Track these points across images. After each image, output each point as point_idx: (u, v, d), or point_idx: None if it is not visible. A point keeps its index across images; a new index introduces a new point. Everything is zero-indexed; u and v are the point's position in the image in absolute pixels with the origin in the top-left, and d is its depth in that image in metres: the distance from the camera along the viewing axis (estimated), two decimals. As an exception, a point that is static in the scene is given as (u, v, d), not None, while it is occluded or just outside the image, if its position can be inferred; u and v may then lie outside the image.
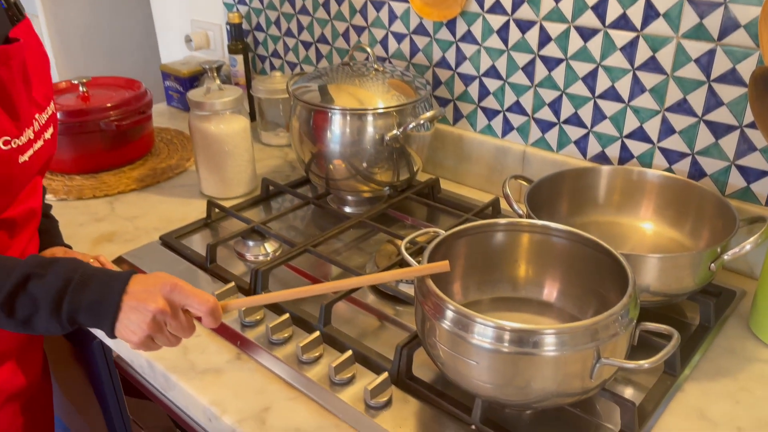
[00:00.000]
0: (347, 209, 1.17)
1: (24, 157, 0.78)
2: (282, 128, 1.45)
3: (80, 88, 1.31)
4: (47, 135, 0.84)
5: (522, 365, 0.61)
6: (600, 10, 0.96)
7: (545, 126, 1.10)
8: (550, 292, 0.77)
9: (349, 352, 0.75)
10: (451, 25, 1.15)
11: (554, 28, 1.02)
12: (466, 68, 1.16)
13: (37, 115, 0.81)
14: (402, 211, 1.14)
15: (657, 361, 0.60)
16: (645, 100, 0.97)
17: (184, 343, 0.82)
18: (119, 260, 1.00)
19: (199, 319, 0.66)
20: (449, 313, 0.64)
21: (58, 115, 1.23)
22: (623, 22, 0.95)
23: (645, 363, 0.59)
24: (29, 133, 0.79)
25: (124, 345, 0.84)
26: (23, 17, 0.83)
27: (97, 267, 0.67)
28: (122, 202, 1.20)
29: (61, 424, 1.33)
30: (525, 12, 1.04)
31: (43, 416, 1.00)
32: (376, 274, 0.81)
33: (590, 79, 1.01)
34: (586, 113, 1.04)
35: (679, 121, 0.95)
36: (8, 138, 0.74)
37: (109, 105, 1.26)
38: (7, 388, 0.88)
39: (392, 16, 1.23)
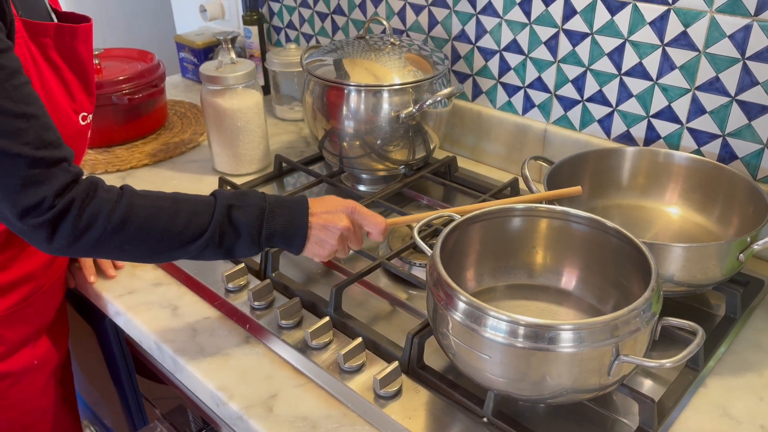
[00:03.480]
0: (361, 188, 1.14)
1: (89, 132, 0.80)
2: (297, 102, 1.42)
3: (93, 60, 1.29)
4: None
5: (537, 361, 0.58)
6: (629, -18, 0.91)
7: (568, 104, 1.05)
8: (569, 280, 0.74)
9: (359, 340, 0.73)
10: (471, -4, 1.10)
11: (580, 1, 0.97)
12: (487, 42, 1.11)
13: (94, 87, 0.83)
14: (417, 190, 1.11)
15: (679, 361, 0.57)
16: (674, 78, 0.92)
17: (193, 326, 0.81)
18: (130, 238, 0.99)
19: (368, 234, 0.77)
20: (461, 305, 0.61)
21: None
22: (654, -5, 0.89)
23: (666, 363, 0.56)
24: (93, 108, 0.81)
25: (134, 325, 0.83)
26: None
27: (275, 195, 0.74)
28: (135, 177, 1.18)
29: (78, 397, 1.35)
30: (549, -17, 0.99)
31: (67, 385, 1.03)
32: (494, 202, 0.76)
33: (616, 55, 0.96)
34: (611, 91, 0.99)
35: (711, 101, 0.90)
36: (86, 114, 0.76)
37: (121, 78, 1.24)
38: (52, 358, 0.91)
39: (410, -13, 1.18)
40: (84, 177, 0.65)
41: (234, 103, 1.12)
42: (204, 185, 1.14)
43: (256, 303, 0.82)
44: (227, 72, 1.11)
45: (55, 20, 0.76)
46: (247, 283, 0.86)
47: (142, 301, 0.86)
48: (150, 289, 0.88)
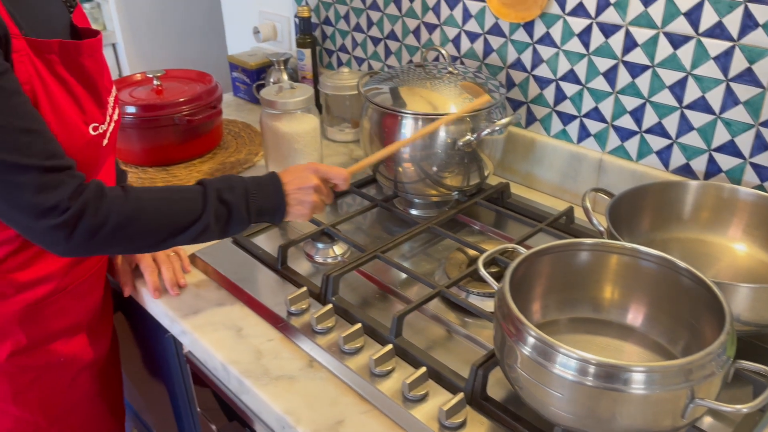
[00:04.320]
0: (413, 212, 1.15)
1: (105, 141, 0.83)
2: (347, 123, 1.45)
3: (154, 82, 1.34)
4: (115, 116, 0.89)
5: (607, 400, 0.59)
6: (693, 17, 0.91)
7: (625, 134, 1.05)
8: (635, 317, 0.75)
9: (423, 369, 0.74)
10: (528, 26, 1.11)
11: (641, 34, 0.97)
12: (543, 71, 1.12)
13: (108, 99, 0.86)
14: (470, 215, 1.12)
15: (755, 407, 0.57)
16: (738, 113, 0.92)
17: (257, 348, 0.83)
18: (193, 257, 1.02)
19: (335, 186, 0.89)
20: (531, 340, 0.62)
21: (131, 109, 1.26)
22: (718, 31, 0.89)
23: (743, 408, 0.56)
24: (107, 118, 0.84)
25: (200, 346, 0.86)
26: (76, 4, 0.86)
27: (249, 176, 0.84)
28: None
29: (127, 403, 1.38)
30: (610, 16, 1.00)
31: (111, 387, 1.06)
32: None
33: (678, 89, 0.96)
34: (671, 123, 0.99)
35: (775, 136, 0.90)
36: (96, 124, 0.80)
37: (182, 100, 1.28)
38: (82, 357, 0.94)
39: (466, 15, 1.20)
40: (90, 181, 0.72)
41: (292, 127, 1.15)
42: (261, 206, 1.17)
43: (318, 327, 0.83)
44: (287, 97, 1.14)
45: (68, 36, 0.80)
46: (309, 306, 0.88)
47: (207, 321, 0.88)
48: (214, 310, 0.90)
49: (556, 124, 1.14)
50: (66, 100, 0.75)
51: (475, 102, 1.02)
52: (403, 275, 0.97)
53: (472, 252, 0.98)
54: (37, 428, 0.91)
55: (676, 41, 0.94)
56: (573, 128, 1.12)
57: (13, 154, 0.66)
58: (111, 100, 0.87)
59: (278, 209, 0.84)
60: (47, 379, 0.90)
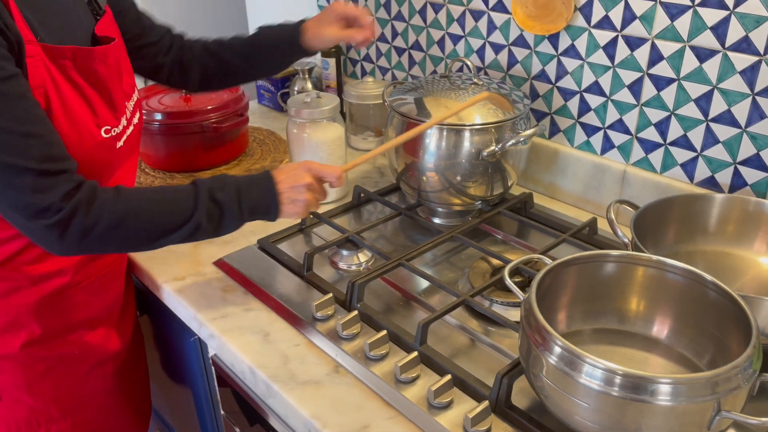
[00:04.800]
0: (436, 220, 1.17)
1: (120, 143, 0.86)
2: (371, 132, 1.47)
3: (182, 90, 1.36)
4: (135, 120, 0.92)
5: (633, 411, 0.59)
6: (720, 31, 0.91)
7: (650, 146, 1.06)
8: (661, 329, 0.75)
9: (448, 377, 0.75)
10: (553, 38, 1.12)
11: (667, 47, 0.98)
12: (567, 83, 1.13)
13: (126, 103, 0.89)
14: (493, 225, 1.13)
15: (783, 420, 0.57)
16: (764, 127, 0.92)
17: (284, 353, 0.85)
18: (220, 263, 1.04)
19: (330, 184, 0.90)
20: (557, 349, 0.63)
21: (159, 116, 1.29)
22: (745, 45, 0.90)
23: (770, 421, 0.57)
24: (123, 121, 0.87)
25: (228, 349, 0.87)
26: (104, 12, 0.89)
27: (243, 175, 0.86)
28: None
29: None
30: (636, 29, 1.00)
31: (134, 384, 1.08)
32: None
33: (704, 102, 0.97)
34: (696, 136, 1.00)
35: (802, 150, 0.90)
36: (109, 127, 0.83)
37: (209, 107, 1.31)
38: (98, 352, 0.97)
39: (491, 27, 1.21)
40: (84, 183, 0.74)
41: (318, 136, 1.17)
42: (286, 213, 1.19)
43: (344, 333, 0.85)
44: (313, 106, 1.16)
45: (90, 42, 0.84)
46: (334, 312, 0.90)
47: (234, 325, 0.90)
48: (242, 314, 0.92)
49: (580, 136, 1.15)
50: (78, 102, 0.79)
51: (469, 100, 1.03)
52: (426, 283, 0.98)
53: (495, 261, 0.99)
54: (50, 419, 0.94)
55: (702, 55, 0.94)
56: (597, 140, 1.13)
57: (12, 156, 0.70)
58: (130, 104, 0.90)
59: (271, 207, 0.85)
60: (61, 371, 0.93)
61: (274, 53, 1.08)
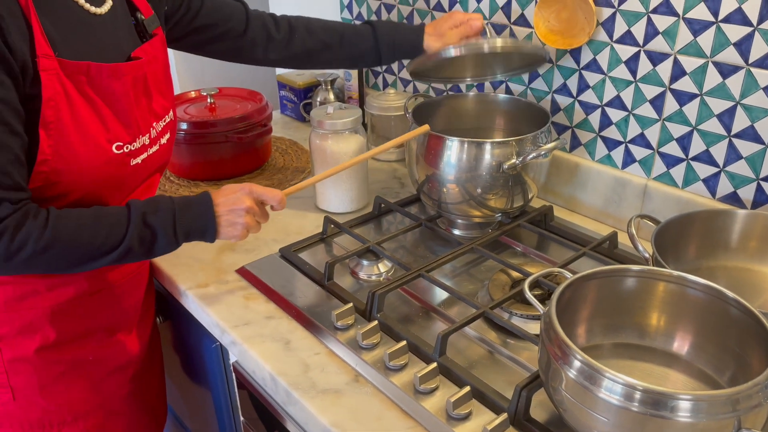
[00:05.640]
0: (456, 232, 1.17)
1: (136, 161, 0.87)
2: (392, 143, 1.48)
3: (208, 99, 1.39)
4: (163, 141, 0.93)
5: (653, 427, 0.59)
6: (743, 48, 0.91)
7: (671, 161, 1.06)
8: (681, 345, 0.75)
9: (467, 388, 0.76)
10: (575, 52, 1.13)
11: (690, 63, 0.98)
12: (589, 96, 1.14)
13: (154, 124, 0.91)
14: (513, 237, 1.14)
15: (806, 439, 0.57)
16: (788, 143, 0.92)
17: (305, 361, 0.86)
18: (242, 271, 1.05)
19: (272, 207, 0.91)
20: (576, 363, 0.63)
21: (185, 125, 1.31)
22: (769, 61, 0.90)
23: (792, 440, 0.56)
24: (143, 140, 0.88)
25: (249, 356, 0.89)
26: (150, 36, 0.91)
27: (182, 196, 0.86)
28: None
29: (168, 408, 1.42)
30: (658, 44, 1.01)
31: (148, 390, 1.10)
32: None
33: (727, 117, 0.97)
34: (718, 151, 0.99)
35: (826, 167, 0.89)
36: (120, 143, 0.84)
37: (234, 117, 1.33)
38: (113, 359, 0.99)
39: (513, 40, 1.22)
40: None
41: (341, 147, 1.18)
42: (308, 222, 1.21)
43: (364, 343, 0.86)
44: (336, 118, 1.18)
45: (123, 59, 0.86)
46: (354, 321, 0.91)
47: (256, 333, 0.91)
48: (263, 322, 0.94)
49: (601, 149, 1.15)
50: (91, 117, 0.80)
51: (410, 133, 1.06)
52: (444, 294, 0.99)
53: (515, 274, 0.99)
54: (62, 421, 0.96)
55: (726, 71, 0.94)
56: (618, 153, 1.13)
57: None
58: (160, 124, 0.92)
59: (208, 230, 0.86)
60: (75, 376, 0.95)
61: (391, 52, 1.11)
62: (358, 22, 1.23)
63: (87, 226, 0.79)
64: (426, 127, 1.06)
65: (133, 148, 0.86)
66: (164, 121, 0.93)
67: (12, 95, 0.73)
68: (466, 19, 1.08)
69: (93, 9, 0.83)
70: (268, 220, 0.93)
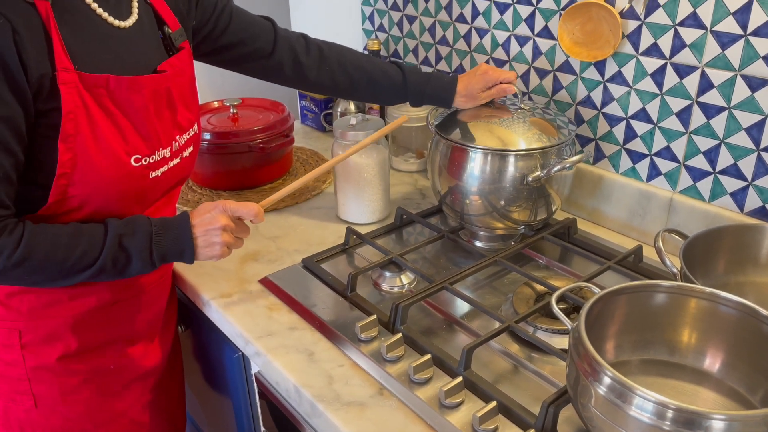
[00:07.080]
0: (478, 244, 1.17)
1: (156, 173, 0.88)
2: (412, 154, 1.48)
3: (231, 110, 1.40)
4: (185, 153, 0.93)
5: (686, 445, 0.58)
6: (773, 60, 0.91)
7: (698, 174, 1.05)
8: (713, 362, 0.74)
9: (493, 403, 0.75)
10: (600, 65, 1.12)
11: (718, 76, 0.97)
12: (613, 109, 1.13)
13: (177, 137, 0.91)
14: (536, 249, 1.13)
15: None
16: (819, 157, 0.90)
17: (329, 373, 0.86)
18: (266, 281, 1.06)
19: (251, 220, 0.90)
20: (606, 380, 0.63)
21: (208, 135, 1.32)
22: (800, 74, 0.89)
23: (831, 462, 0.55)
24: (164, 153, 0.88)
25: (273, 367, 0.89)
26: (177, 50, 0.92)
27: (160, 218, 0.86)
28: (264, 221, 1.26)
29: (188, 416, 1.43)
30: (685, 57, 1.00)
31: (169, 399, 1.10)
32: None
33: (755, 131, 0.95)
34: (747, 165, 0.98)
35: None
36: (139, 156, 0.84)
37: (257, 128, 1.34)
38: (134, 367, 0.99)
39: (536, 52, 1.22)
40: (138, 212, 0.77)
41: (363, 158, 1.19)
42: (329, 232, 1.21)
43: (388, 355, 0.85)
44: (358, 129, 1.18)
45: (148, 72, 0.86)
46: (378, 333, 0.91)
47: (280, 344, 0.92)
48: (287, 333, 0.94)
49: (626, 162, 1.14)
50: (110, 130, 0.81)
51: (389, 125, 1.09)
52: (467, 306, 0.99)
53: (539, 287, 0.99)
54: (83, 430, 0.96)
55: (754, 84, 0.93)
56: (643, 166, 1.12)
57: None
58: (183, 137, 0.92)
59: (185, 252, 0.86)
60: (96, 384, 0.95)
61: (418, 101, 1.15)
62: (389, 59, 1.21)
63: (61, 246, 0.79)
64: (404, 118, 1.11)
65: (152, 161, 0.86)
66: (188, 134, 0.93)
67: (15, 114, 0.74)
68: (499, 80, 1.09)
69: (117, 22, 0.84)
70: (249, 234, 0.92)
